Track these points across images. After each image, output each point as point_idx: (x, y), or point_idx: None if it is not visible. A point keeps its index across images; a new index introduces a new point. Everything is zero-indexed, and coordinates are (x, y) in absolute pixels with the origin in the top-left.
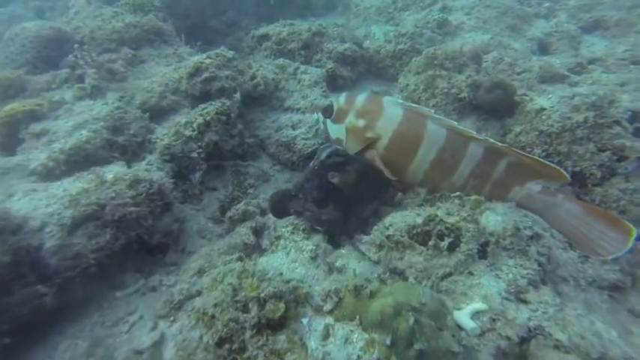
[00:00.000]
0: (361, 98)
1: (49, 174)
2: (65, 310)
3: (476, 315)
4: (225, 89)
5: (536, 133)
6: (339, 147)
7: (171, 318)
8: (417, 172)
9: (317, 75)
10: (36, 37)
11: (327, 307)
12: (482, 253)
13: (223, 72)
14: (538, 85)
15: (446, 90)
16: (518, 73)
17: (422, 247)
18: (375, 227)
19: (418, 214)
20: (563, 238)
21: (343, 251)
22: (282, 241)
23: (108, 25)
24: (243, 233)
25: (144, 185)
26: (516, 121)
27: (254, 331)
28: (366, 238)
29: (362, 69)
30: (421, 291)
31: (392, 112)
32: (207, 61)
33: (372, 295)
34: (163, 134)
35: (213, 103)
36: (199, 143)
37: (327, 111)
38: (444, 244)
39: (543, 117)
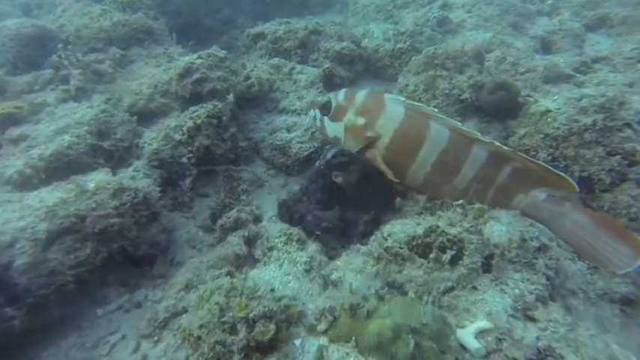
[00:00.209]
0: (361, 95)
1: (26, 183)
2: (39, 331)
3: (480, 334)
4: (217, 91)
5: (542, 136)
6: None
7: (156, 338)
8: (418, 174)
9: (313, 75)
10: (16, 35)
11: (322, 326)
12: (487, 266)
13: (215, 73)
14: (542, 86)
15: (447, 91)
16: (522, 73)
17: (422, 260)
18: (373, 237)
19: (418, 224)
20: (570, 248)
21: (339, 263)
22: (275, 253)
23: (95, 23)
24: (234, 243)
25: (128, 194)
26: (520, 124)
27: (242, 354)
28: (363, 248)
29: (360, 68)
30: (422, 310)
31: (393, 110)
32: (198, 61)
33: (369, 314)
34: (152, 138)
35: (205, 105)
36: (189, 148)
37: (325, 108)
38: (446, 257)
39: (549, 119)
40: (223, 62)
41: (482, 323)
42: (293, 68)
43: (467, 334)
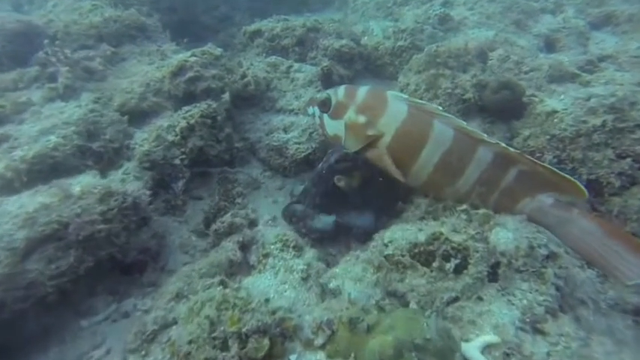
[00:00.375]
0: (362, 92)
1: (6, 186)
2: (16, 348)
3: (487, 348)
4: (212, 90)
5: (548, 137)
6: (347, 150)
7: (143, 352)
8: (420, 175)
9: (311, 73)
10: (0, 30)
11: (319, 340)
12: (493, 275)
13: (210, 71)
14: (547, 85)
15: (449, 90)
16: (526, 72)
17: (425, 269)
18: (373, 243)
19: (420, 229)
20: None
21: (337, 270)
22: (270, 260)
23: (85, 19)
24: (229, 249)
25: (116, 199)
26: (525, 124)
27: None
28: (362, 255)
29: (359, 67)
30: (425, 324)
31: (396, 108)
32: (192, 59)
33: (370, 329)
34: (143, 139)
35: (198, 105)
36: (182, 149)
37: (324, 105)
38: (450, 266)
39: (555, 120)
40: (219, 60)
41: (489, 337)
42: (290, 66)
43: (472, 349)
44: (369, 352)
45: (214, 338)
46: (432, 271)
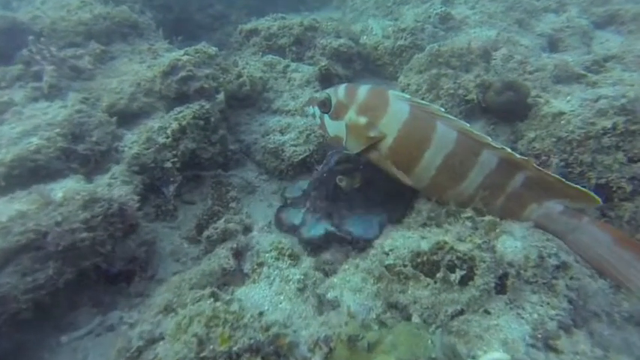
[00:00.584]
0: (363, 91)
1: None
2: None
3: None
4: (205, 90)
5: (554, 139)
6: (348, 152)
7: None
8: (422, 177)
9: (309, 73)
10: None
11: (315, 359)
12: (500, 287)
13: (203, 70)
14: (553, 86)
15: (452, 91)
16: (530, 72)
17: (428, 279)
18: (373, 251)
19: (423, 237)
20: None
21: (335, 280)
22: (265, 269)
23: (73, 16)
24: (222, 256)
25: (101, 205)
26: (530, 126)
27: None
28: (362, 264)
29: (358, 67)
30: (430, 341)
31: (397, 108)
32: (185, 58)
33: (371, 347)
34: (132, 142)
35: (191, 105)
36: (174, 151)
37: (324, 105)
38: (455, 277)
39: (562, 122)
40: (213, 59)
41: (498, 354)
42: (287, 66)
43: None
44: None
45: (202, 358)
46: (435, 282)
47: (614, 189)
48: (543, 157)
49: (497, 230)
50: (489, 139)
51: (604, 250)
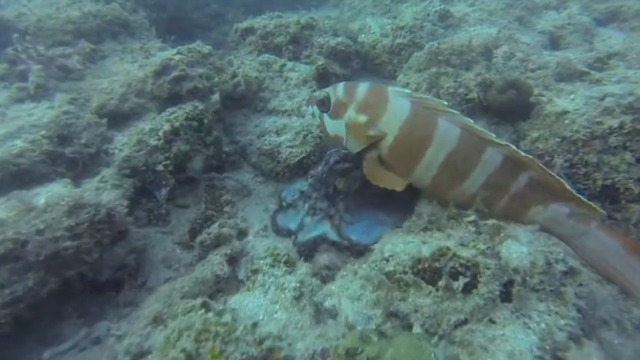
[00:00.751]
0: (362, 89)
1: None
2: None
3: None
4: (199, 90)
5: (558, 139)
6: (348, 151)
7: None
8: (424, 177)
9: (306, 73)
10: None
11: None
12: (505, 294)
13: (196, 70)
14: (555, 84)
15: (452, 90)
16: (533, 70)
17: (430, 287)
18: (372, 257)
19: (424, 242)
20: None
21: (333, 288)
22: (260, 276)
23: (61, 13)
24: (215, 263)
25: (87, 211)
26: (532, 126)
27: None
28: (361, 271)
29: (356, 65)
30: (432, 354)
31: (398, 105)
32: (177, 57)
33: None
34: (123, 144)
35: (184, 106)
36: (166, 154)
37: (323, 104)
38: (458, 284)
39: (566, 121)
40: (207, 58)
41: None
42: (284, 65)
43: None
44: None
45: None
46: (437, 289)
47: (620, 190)
48: (547, 158)
49: (502, 235)
50: (493, 135)
51: (612, 257)
